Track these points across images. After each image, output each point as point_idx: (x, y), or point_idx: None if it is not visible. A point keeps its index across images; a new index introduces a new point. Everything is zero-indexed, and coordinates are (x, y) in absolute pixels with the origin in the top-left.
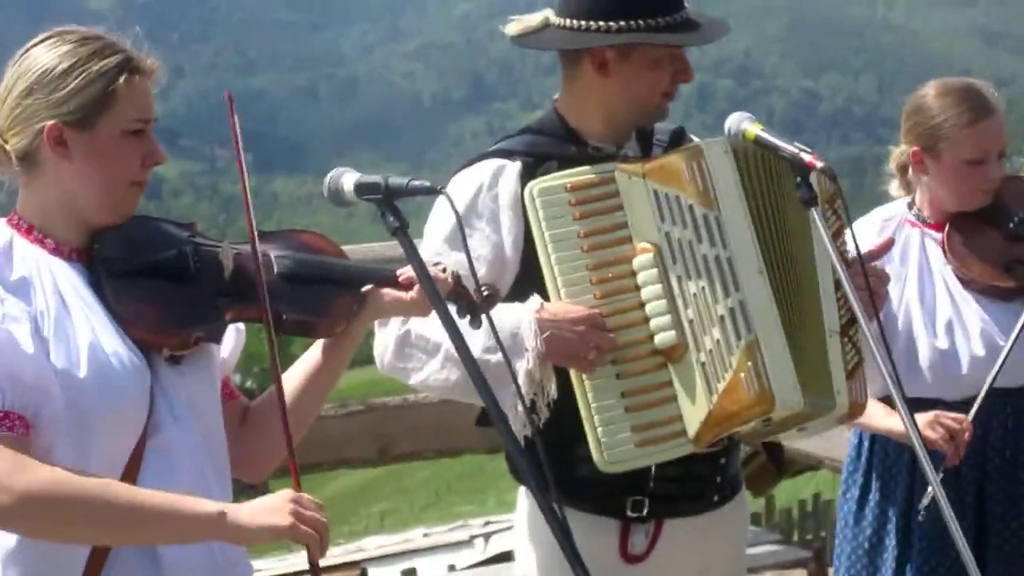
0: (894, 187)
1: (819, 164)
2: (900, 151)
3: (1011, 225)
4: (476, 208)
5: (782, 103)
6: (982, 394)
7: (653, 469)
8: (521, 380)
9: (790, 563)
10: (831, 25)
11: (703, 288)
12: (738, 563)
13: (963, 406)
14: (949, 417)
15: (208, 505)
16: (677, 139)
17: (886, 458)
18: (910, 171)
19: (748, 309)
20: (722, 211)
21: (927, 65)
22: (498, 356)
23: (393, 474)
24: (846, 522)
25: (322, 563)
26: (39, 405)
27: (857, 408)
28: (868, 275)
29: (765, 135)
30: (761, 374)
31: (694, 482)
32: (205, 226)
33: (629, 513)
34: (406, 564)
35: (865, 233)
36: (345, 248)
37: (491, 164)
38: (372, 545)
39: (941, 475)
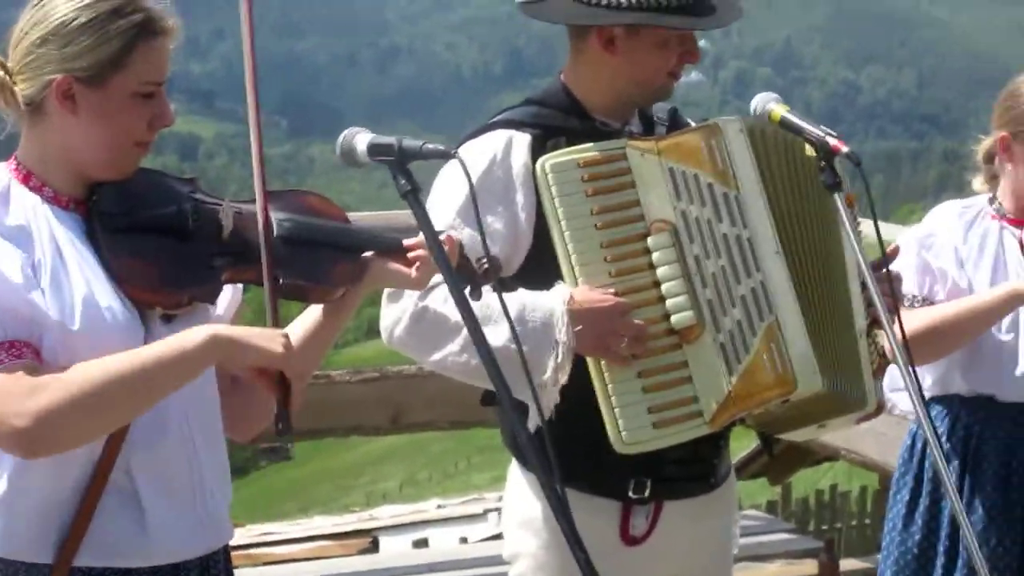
0: (978, 182)
1: (844, 148)
2: (989, 139)
3: None
4: (489, 181)
5: (820, 94)
6: None
7: (659, 451)
8: (548, 373)
9: (801, 553)
10: (873, 17)
11: (722, 268)
12: (726, 547)
13: (1019, 409)
14: None
15: (198, 331)
16: (674, 116)
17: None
18: (996, 161)
19: (768, 290)
20: (741, 190)
21: (968, 61)
22: (527, 346)
23: (413, 444)
24: (894, 525)
25: (334, 530)
26: (40, 339)
27: (879, 408)
28: (891, 279)
29: (791, 117)
30: (784, 355)
31: (697, 464)
32: (238, 188)
33: (631, 494)
34: (418, 534)
35: (945, 217)
36: (367, 215)
37: (501, 135)
38: (386, 514)
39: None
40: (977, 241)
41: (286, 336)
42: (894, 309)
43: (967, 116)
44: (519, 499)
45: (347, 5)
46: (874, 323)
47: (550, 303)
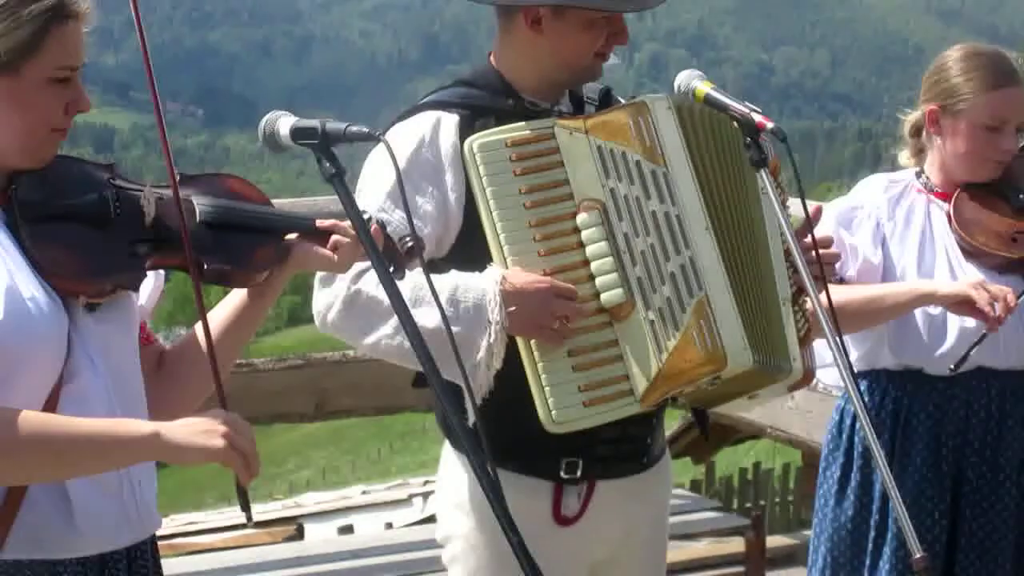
0: (904, 156)
1: (769, 124)
2: (916, 112)
3: (1021, 197)
4: (418, 162)
5: (734, 74)
6: (964, 356)
7: (590, 431)
8: (482, 355)
9: (728, 531)
10: None
11: (651, 245)
12: (661, 526)
13: (947, 382)
14: (994, 285)
15: (143, 426)
16: (606, 97)
17: (866, 438)
18: (923, 134)
19: (698, 266)
20: (669, 167)
21: (881, 41)
22: (458, 328)
23: (334, 431)
24: (826, 501)
25: (258, 518)
26: None
27: (808, 376)
28: (817, 245)
29: (715, 94)
30: (713, 332)
31: (628, 443)
32: (155, 178)
33: (563, 475)
34: (343, 521)
35: (871, 191)
36: (289, 201)
37: (429, 116)
38: (310, 501)
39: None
40: (903, 215)
41: (226, 421)
42: (820, 276)
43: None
44: (452, 480)
45: None
46: (800, 291)
47: (483, 284)
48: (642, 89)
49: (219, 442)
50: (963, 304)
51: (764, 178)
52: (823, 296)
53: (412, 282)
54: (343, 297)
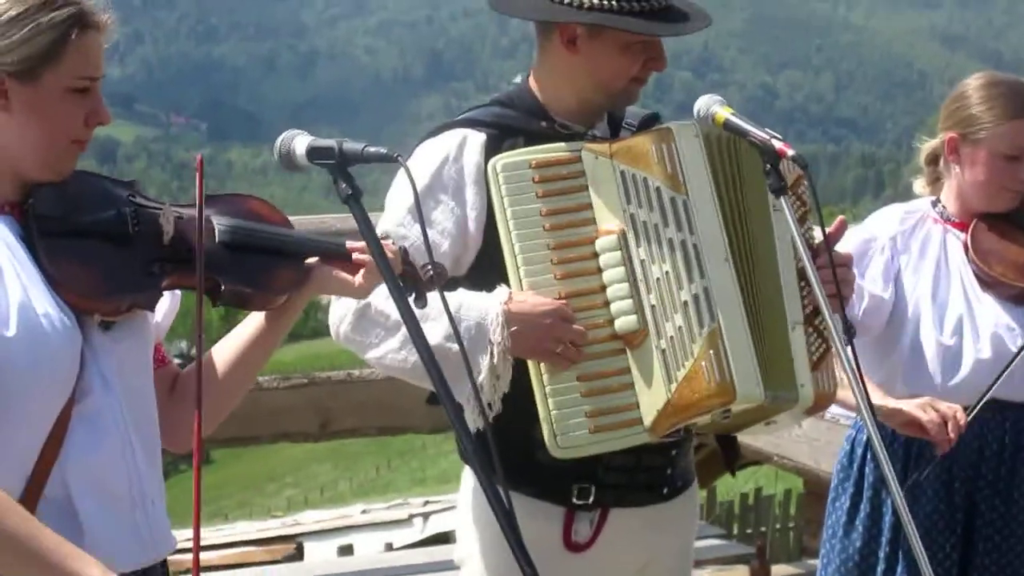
0: (919, 184)
1: (790, 152)
2: (934, 140)
3: None
4: (441, 180)
5: (739, 97)
6: (983, 398)
7: (602, 458)
8: (484, 375)
9: (732, 558)
10: (791, 22)
11: (667, 273)
12: (684, 558)
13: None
14: (943, 404)
15: (91, 567)
16: (647, 124)
17: (877, 468)
18: (941, 163)
19: (712, 297)
20: (690, 195)
21: (886, 66)
22: (457, 346)
23: (335, 449)
24: (834, 532)
25: (257, 535)
26: None
27: (824, 399)
28: (835, 263)
29: (735, 119)
30: (723, 364)
31: (644, 473)
32: (157, 192)
33: (574, 500)
34: (343, 540)
35: (886, 222)
36: (295, 219)
37: (456, 135)
38: (310, 519)
39: (925, 473)
40: (918, 246)
41: None
42: (835, 294)
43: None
44: (469, 501)
45: (265, 9)
46: (815, 311)
47: (486, 304)
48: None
49: None
50: (909, 426)
51: (784, 205)
52: (839, 322)
53: (424, 307)
54: (354, 310)
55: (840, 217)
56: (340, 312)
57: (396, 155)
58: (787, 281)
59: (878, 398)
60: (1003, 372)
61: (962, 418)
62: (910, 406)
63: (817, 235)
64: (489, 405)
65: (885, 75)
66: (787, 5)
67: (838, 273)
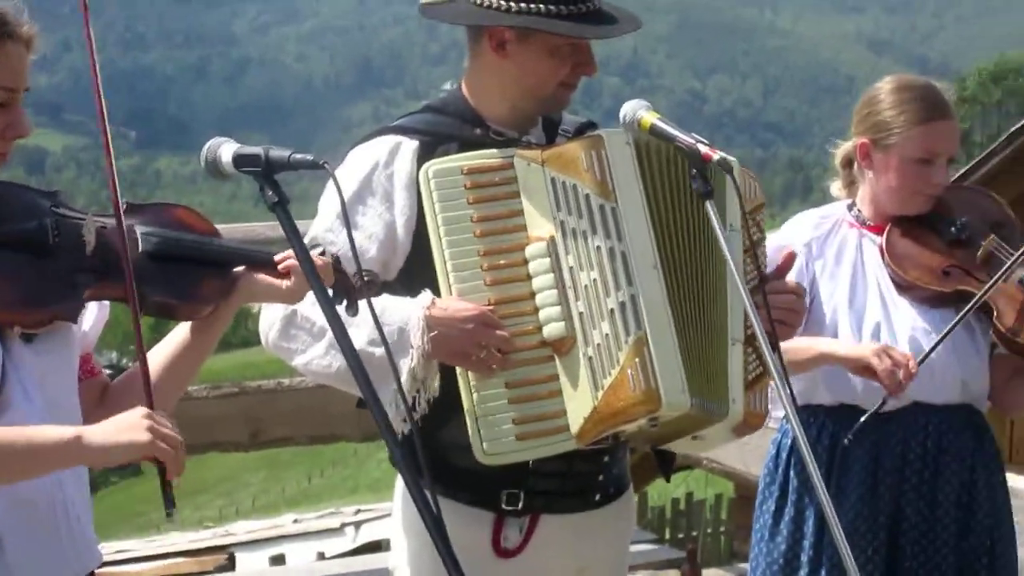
0: (835, 187)
1: (716, 156)
2: (847, 144)
3: (952, 230)
4: (371, 185)
5: (667, 103)
6: (929, 352)
7: (532, 464)
8: (404, 378)
9: (663, 563)
10: (718, 27)
11: (595, 280)
12: (619, 566)
13: (884, 417)
14: (897, 352)
15: (64, 431)
16: (583, 132)
17: (802, 471)
18: (855, 167)
19: (639, 304)
20: (619, 202)
21: (813, 71)
22: (382, 350)
23: (266, 459)
24: (761, 536)
25: (189, 546)
26: None
27: (754, 419)
28: (779, 291)
29: (661, 124)
30: (648, 372)
31: (575, 479)
32: (86, 201)
33: (504, 506)
34: (275, 549)
35: (800, 228)
36: (225, 227)
37: (388, 141)
38: (241, 530)
39: (851, 433)
40: (834, 252)
41: (150, 416)
42: (764, 304)
43: (811, 124)
44: (401, 509)
45: (195, 18)
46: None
47: (408, 308)
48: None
49: (144, 436)
50: (864, 370)
51: (711, 211)
52: (764, 323)
53: (355, 315)
54: (282, 317)
55: (790, 250)
56: (269, 319)
57: (323, 162)
58: (735, 298)
59: (832, 344)
60: (946, 334)
61: (914, 366)
62: (864, 349)
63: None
64: (412, 409)
65: (812, 80)
66: (714, 10)
67: (787, 301)
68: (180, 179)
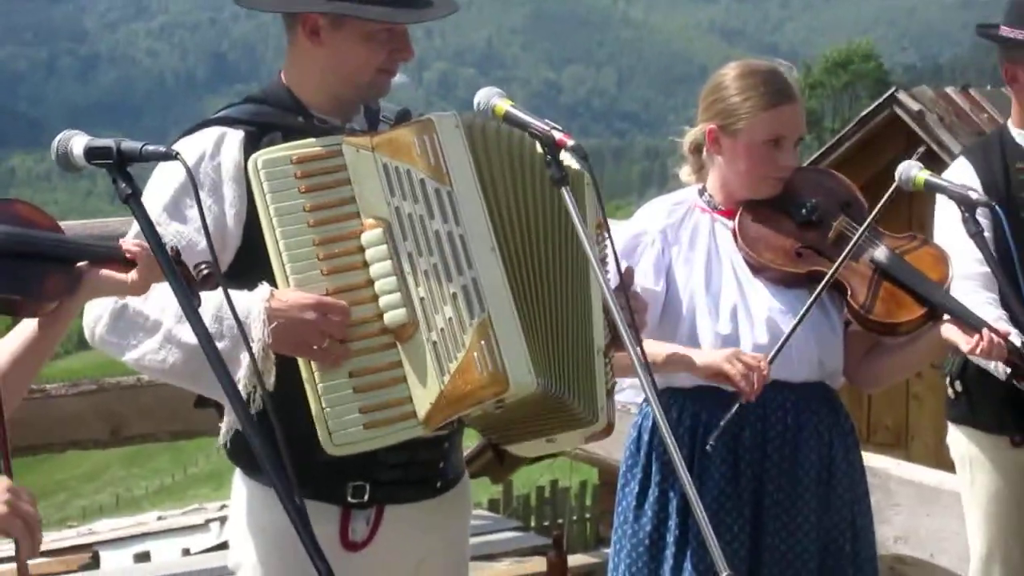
0: (685, 172)
1: (569, 142)
2: (696, 130)
3: (803, 212)
4: (197, 177)
5: (523, 93)
6: (780, 346)
7: (377, 454)
8: (242, 371)
9: (529, 550)
10: (572, 18)
11: (434, 265)
12: (459, 552)
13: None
14: (748, 355)
15: None
16: (403, 117)
17: (664, 453)
18: (703, 152)
19: (481, 287)
20: (454, 186)
21: (666, 60)
22: (223, 343)
23: (129, 456)
24: (625, 518)
25: (52, 546)
26: None
27: (610, 427)
28: (629, 297)
29: (515, 111)
30: (495, 353)
31: (418, 468)
32: None
33: (350, 499)
34: (139, 547)
35: (654, 216)
36: (80, 223)
37: (212, 132)
38: (105, 528)
39: (712, 439)
40: (688, 237)
41: (12, 491)
42: (626, 305)
43: (666, 113)
44: (242, 506)
45: (43, 13)
46: (612, 343)
47: (248, 301)
48: (431, 108)
49: (1, 508)
50: (717, 376)
51: (567, 197)
52: (622, 306)
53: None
54: (111, 311)
55: (628, 267)
56: (96, 313)
57: (176, 153)
58: (596, 304)
59: (685, 351)
60: (800, 318)
61: (766, 367)
62: (718, 358)
63: (611, 269)
64: (250, 402)
65: (665, 70)
66: (568, 1)
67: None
68: (34, 176)
